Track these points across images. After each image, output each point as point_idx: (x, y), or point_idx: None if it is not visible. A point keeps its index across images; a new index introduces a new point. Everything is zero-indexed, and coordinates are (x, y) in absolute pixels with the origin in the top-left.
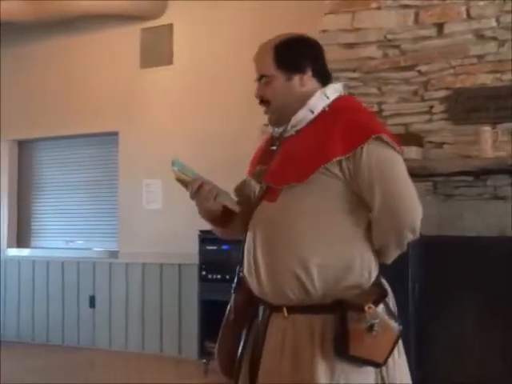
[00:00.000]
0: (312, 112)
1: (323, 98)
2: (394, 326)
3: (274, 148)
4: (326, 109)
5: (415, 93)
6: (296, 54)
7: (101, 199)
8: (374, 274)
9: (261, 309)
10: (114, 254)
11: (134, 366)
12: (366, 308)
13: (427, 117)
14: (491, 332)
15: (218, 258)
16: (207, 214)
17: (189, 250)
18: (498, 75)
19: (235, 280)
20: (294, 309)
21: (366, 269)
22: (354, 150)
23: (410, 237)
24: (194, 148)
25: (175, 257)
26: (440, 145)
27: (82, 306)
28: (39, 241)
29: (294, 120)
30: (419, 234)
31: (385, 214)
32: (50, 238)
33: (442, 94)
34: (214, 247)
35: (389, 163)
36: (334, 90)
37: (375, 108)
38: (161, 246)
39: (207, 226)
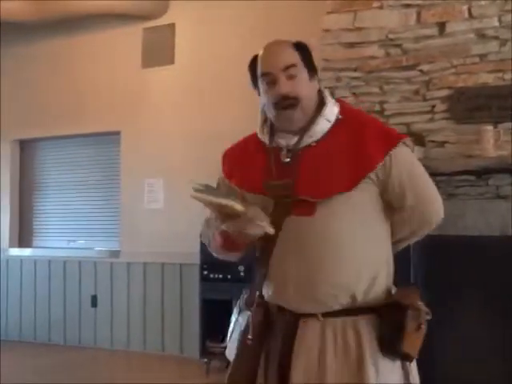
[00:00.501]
0: (329, 121)
1: (332, 106)
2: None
3: (288, 160)
4: (339, 116)
5: (417, 92)
6: (311, 56)
7: (102, 199)
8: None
9: (282, 321)
10: (115, 254)
11: (136, 366)
12: (420, 306)
13: (429, 116)
14: (492, 332)
15: (219, 258)
16: (247, 239)
17: (190, 250)
18: (500, 74)
19: (247, 298)
20: (330, 313)
21: (391, 270)
22: (385, 156)
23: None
24: (195, 148)
25: (176, 256)
26: (442, 144)
27: (83, 305)
28: (41, 240)
29: (312, 131)
30: None
31: (415, 215)
32: (52, 238)
33: (443, 93)
34: None
35: (414, 166)
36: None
37: (377, 107)
38: (162, 246)
39: None
